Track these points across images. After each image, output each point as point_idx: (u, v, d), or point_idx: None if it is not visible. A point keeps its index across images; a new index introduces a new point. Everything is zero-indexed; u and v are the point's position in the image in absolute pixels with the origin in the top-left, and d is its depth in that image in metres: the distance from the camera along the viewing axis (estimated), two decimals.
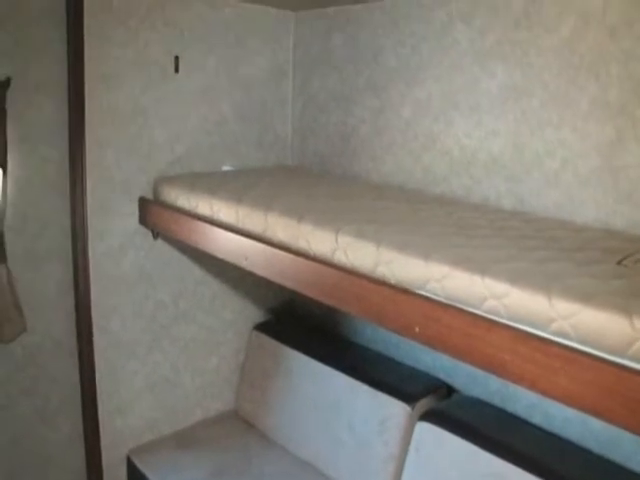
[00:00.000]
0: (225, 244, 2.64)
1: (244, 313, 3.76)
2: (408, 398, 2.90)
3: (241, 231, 2.56)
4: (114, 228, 3.20)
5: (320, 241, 2.22)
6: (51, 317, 3.17)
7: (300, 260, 2.26)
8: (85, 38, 2.91)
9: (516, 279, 1.68)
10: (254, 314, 3.80)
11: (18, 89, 2.82)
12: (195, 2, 3.27)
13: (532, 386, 1.60)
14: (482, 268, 1.77)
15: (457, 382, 3.08)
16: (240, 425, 3.62)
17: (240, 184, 2.94)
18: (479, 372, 1.82)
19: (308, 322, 3.79)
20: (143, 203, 3.21)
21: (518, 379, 1.63)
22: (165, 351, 3.48)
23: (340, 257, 2.15)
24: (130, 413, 3.42)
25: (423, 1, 3.00)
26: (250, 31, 3.51)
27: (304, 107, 3.70)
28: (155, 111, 3.23)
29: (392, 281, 1.99)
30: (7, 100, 2.80)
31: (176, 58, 3.24)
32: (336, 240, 2.16)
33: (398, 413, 2.88)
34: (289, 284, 2.37)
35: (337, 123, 3.50)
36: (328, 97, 3.54)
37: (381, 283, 2.00)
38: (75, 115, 2.98)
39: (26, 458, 3.20)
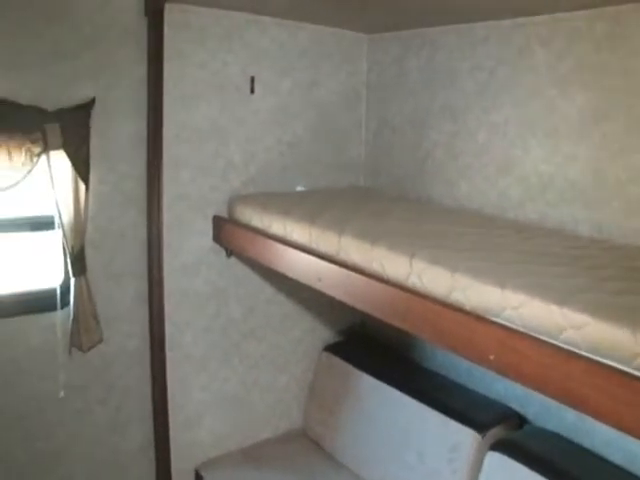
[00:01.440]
0: (298, 264, 2.65)
1: (314, 333, 3.77)
2: (479, 426, 2.84)
3: (314, 252, 2.57)
4: (189, 245, 3.28)
5: (394, 265, 2.22)
6: (126, 329, 3.28)
7: (374, 283, 2.26)
8: (165, 59, 3.01)
9: (596, 311, 1.64)
10: (324, 334, 3.81)
11: (101, 109, 2.97)
12: (271, 25, 3.34)
13: (617, 424, 1.54)
14: (560, 298, 1.74)
15: (530, 412, 3.00)
16: (307, 445, 3.61)
17: (313, 205, 2.96)
18: (553, 403, 1.77)
19: (378, 345, 3.76)
20: (217, 221, 3.28)
21: (600, 415, 1.58)
22: (235, 367, 3.53)
23: (414, 281, 2.14)
24: (199, 427, 3.48)
25: (501, 24, 2.97)
26: (324, 54, 3.56)
27: (378, 130, 3.71)
28: (231, 131, 3.31)
29: (467, 307, 1.96)
30: (91, 119, 2.95)
31: (252, 79, 3.31)
32: (410, 264, 2.15)
33: (468, 441, 2.82)
34: (362, 306, 2.37)
35: (411, 146, 3.49)
36: (402, 120, 3.53)
37: (456, 309, 1.98)
38: (154, 134, 3.08)
39: (99, 463, 3.30)
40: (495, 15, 2.92)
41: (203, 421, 3.49)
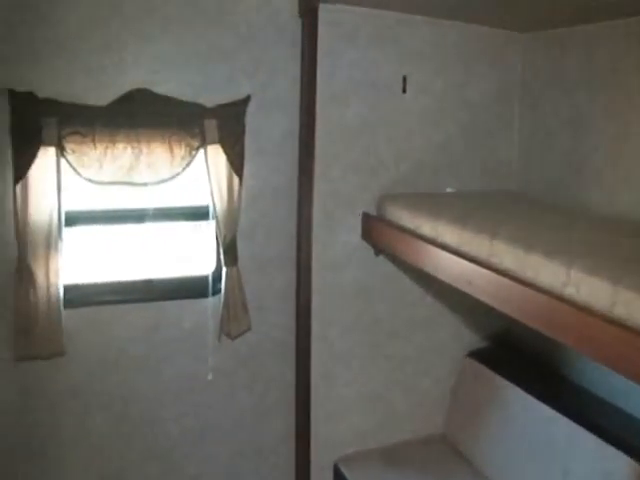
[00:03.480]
0: (448, 266, 2.58)
1: (458, 337, 3.66)
2: (638, 454, 2.61)
3: (465, 255, 2.49)
4: (337, 241, 3.29)
5: (550, 273, 2.09)
6: (273, 319, 3.38)
7: (527, 290, 2.15)
8: (318, 58, 3.06)
9: None
10: (467, 339, 3.69)
11: (256, 106, 3.09)
12: (422, 24, 3.27)
13: None
14: None
15: None
16: (447, 450, 3.53)
17: (464, 207, 2.88)
18: None
19: (524, 354, 3.58)
20: (366, 219, 3.27)
21: None
22: (379, 366, 3.51)
23: (571, 292, 2.01)
24: (340, 422, 3.49)
25: None
26: (476, 53, 3.43)
27: (531, 132, 3.51)
28: (381, 129, 3.28)
29: (629, 324, 1.80)
30: (246, 115, 3.07)
31: (404, 78, 3.26)
32: (568, 274, 2.02)
33: (625, 470, 2.60)
34: (512, 313, 2.27)
35: (567, 150, 3.27)
36: (558, 122, 3.31)
37: (618, 325, 1.82)
38: (306, 130, 3.14)
39: (240, 447, 3.45)
40: None
41: (344, 416, 3.50)
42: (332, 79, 3.12)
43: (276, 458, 3.52)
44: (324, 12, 3.02)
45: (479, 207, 2.90)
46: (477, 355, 3.61)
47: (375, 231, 3.21)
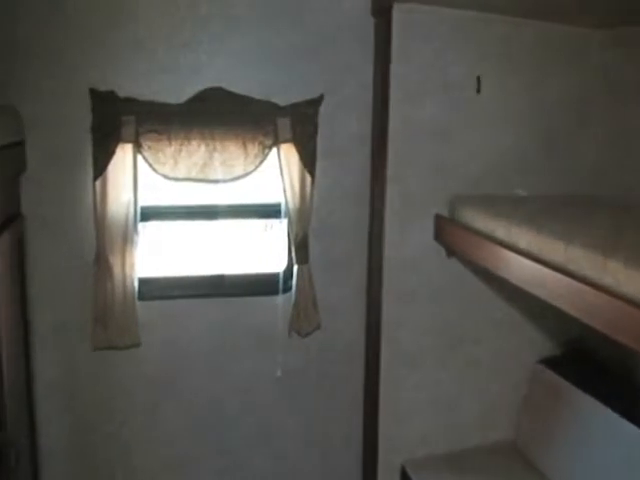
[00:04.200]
0: (521, 270, 2.50)
1: (529, 343, 3.53)
2: None
3: (539, 259, 2.41)
4: (409, 242, 3.24)
5: (632, 281, 1.98)
6: (343, 319, 3.38)
7: (605, 297, 2.04)
8: (392, 58, 3.02)
9: None
10: (539, 346, 3.55)
11: (328, 105, 3.10)
12: (497, 23, 3.17)
13: None
14: None
15: None
16: (517, 459, 3.42)
17: (539, 211, 2.80)
18: None
19: (598, 364, 3.43)
20: (439, 220, 3.21)
21: None
22: (449, 370, 3.44)
23: None
24: (408, 424, 3.44)
25: None
26: (553, 52, 3.30)
27: (609, 134, 3.35)
28: (454, 130, 3.22)
29: None
30: (319, 115, 3.09)
31: (478, 79, 3.18)
32: None
33: None
34: (590, 321, 2.16)
35: None
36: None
37: None
38: (379, 130, 3.13)
39: (308, 445, 3.48)
40: None
41: (412, 419, 3.45)
42: (405, 79, 3.08)
43: (343, 458, 3.53)
44: (398, 12, 2.98)
45: (555, 210, 2.82)
46: (550, 362, 3.48)
47: (447, 233, 3.15)
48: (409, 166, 3.17)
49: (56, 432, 3.12)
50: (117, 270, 2.94)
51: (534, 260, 2.42)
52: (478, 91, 3.19)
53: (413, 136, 3.15)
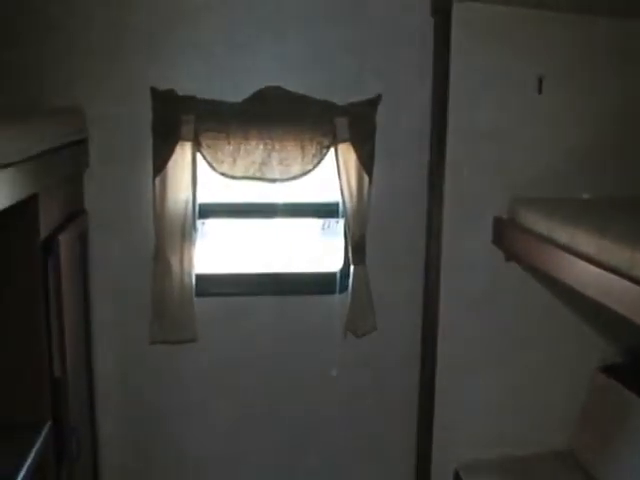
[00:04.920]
0: (584, 276, 2.43)
1: (590, 350, 3.43)
2: None
3: (603, 265, 2.32)
4: (467, 245, 3.21)
5: None
6: (399, 320, 3.35)
7: None
8: (451, 57, 2.99)
9: None
10: (599, 353, 3.45)
11: (386, 105, 3.07)
12: (558, 21, 3.09)
13: None
14: None
15: None
16: (574, 469, 3.32)
17: (602, 214, 2.73)
18: None
19: None
20: (498, 223, 3.16)
21: None
22: (505, 375, 3.38)
23: None
24: (463, 428, 3.41)
25: None
26: (615, 51, 3.19)
27: None
28: (514, 131, 3.16)
29: None
30: (377, 114, 3.06)
31: (539, 79, 3.11)
32: None
33: None
34: None
35: None
36: None
37: None
38: (437, 131, 3.09)
39: (360, 445, 3.45)
40: None
41: (468, 423, 3.41)
42: (465, 79, 3.04)
43: (396, 460, 3.49)
44: (458, 11, 2.95)
45: (619, 215, 2.73)
46: (611, 370, 3.39)
47: (506, 236, 3.09)
48: (468, 167, 3.13)
49: (114, 424, 3.19)
50: (175, 266, 2.99)
51: (597, 265, 2.34)
52: (540, 91, 3.12)
53: (472, 136, 3.11)
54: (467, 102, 3.07)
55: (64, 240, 2.38)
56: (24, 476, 1.99)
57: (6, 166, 1.82)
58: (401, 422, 3.44)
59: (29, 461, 2.06)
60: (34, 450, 2.12)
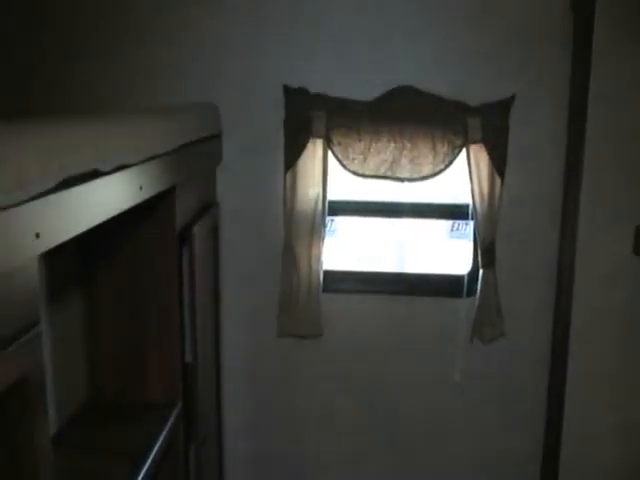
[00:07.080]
0: None
1: None
2: None
3: None
4: (604, 254, 3.05)
5: None
6: (528, 328, 3.22)
7: None
8: (593, 56, 2.86)
9: None
10: None
11: (520, 106, 2.99)
12: None
13: None
14: None
15: None
16: None
17: None
18: None
19: None
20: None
21: None
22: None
23: None
24: (593, 447, 3.21)
25: None
26: None
27: None
28: None
29: None
30: (510, 116, 2.99)
31: None
32: None
33: None
34: None
35: None
36: None
37: None
38: (575, 134, 2.96)
39: (483, 457, 3.34)
40: None
41: (599, 442, 3.21)
42: (607, 78, 2.89)
43: (519, 475, 3.36)
44: (602, 5, 2.81)
45: None
46: None
47: None
48: (607, 171, 2.98)
49: (239, 414, 3.31)
50: (303, 261, 3.06)
51: None
52: None
53: (613, 139, 2.96)
54: (609, 102, 2.92)
55: (198, 232, 2.49)
56: (155, 453, 2.10)
57: (152, 158, 1.95)
58: (527, 436, 3.30)
59: (160, 440, 2.17)
60: (165, 429, 2.23)
